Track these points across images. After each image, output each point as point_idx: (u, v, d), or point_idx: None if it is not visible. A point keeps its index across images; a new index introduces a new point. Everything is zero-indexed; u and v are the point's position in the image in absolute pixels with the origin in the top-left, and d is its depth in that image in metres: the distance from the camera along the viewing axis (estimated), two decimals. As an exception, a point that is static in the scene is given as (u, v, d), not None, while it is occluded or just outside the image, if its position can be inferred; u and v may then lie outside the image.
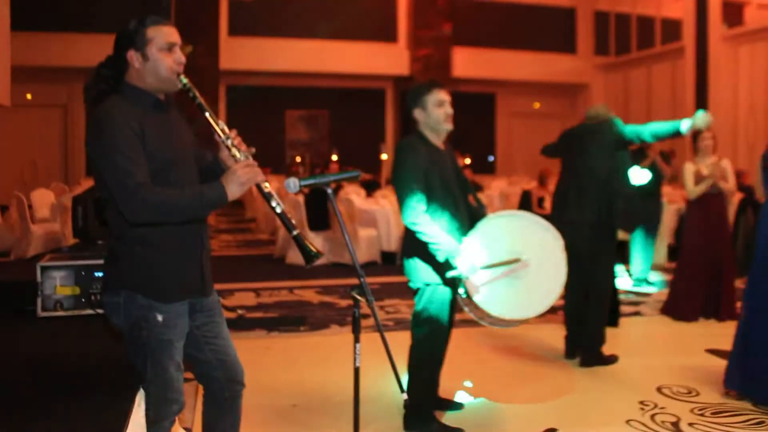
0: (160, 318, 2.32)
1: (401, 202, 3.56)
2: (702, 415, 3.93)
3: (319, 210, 9.12)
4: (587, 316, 4.96)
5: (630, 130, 4.87)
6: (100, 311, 4.20)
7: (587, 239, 4.82)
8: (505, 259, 3.56)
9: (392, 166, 3.68)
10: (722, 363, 4.90)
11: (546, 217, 4.00)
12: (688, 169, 6.30)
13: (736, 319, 6.03)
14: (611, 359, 4.95)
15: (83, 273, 4.62)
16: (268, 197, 2.35)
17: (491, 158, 20.53)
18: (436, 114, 3.62)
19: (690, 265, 6.30)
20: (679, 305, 6.27)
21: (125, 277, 2.33)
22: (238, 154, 2.36)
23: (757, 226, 4.79)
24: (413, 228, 3.51)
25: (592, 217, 4.84)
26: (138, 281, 2.32)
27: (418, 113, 3.65)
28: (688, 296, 6.23)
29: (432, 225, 3.46)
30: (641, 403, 4.11)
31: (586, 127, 5.06)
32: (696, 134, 6.39)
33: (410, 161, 3.52)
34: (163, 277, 2.34)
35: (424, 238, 3.48)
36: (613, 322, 5.68)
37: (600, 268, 4.95)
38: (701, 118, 4.67)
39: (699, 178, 6.21)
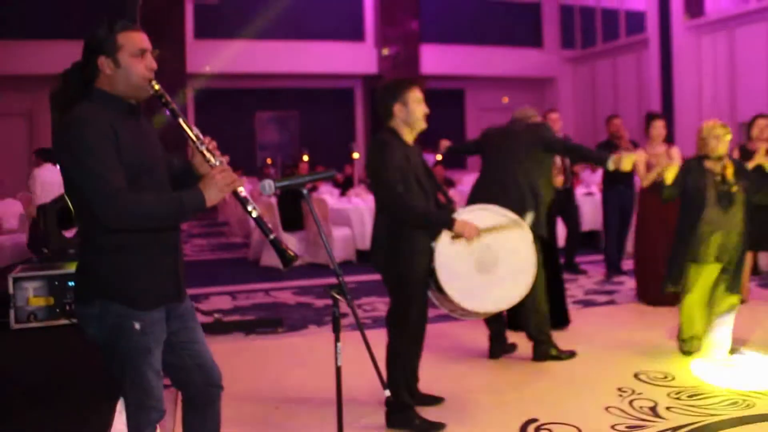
0: (137, 326, 2.29)
1: (384, 196, 3.59)
2: (678, 398, 4.00)
3: (293, 211, 9.10)
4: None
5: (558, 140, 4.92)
6: (75, 321, 4.16)
7: None
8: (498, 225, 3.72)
9: (368, 164, 3.71)
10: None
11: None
12: (641, 157, 6.36)
13: None
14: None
15: (56, 283, 4.56)
16: (244, 202, 2.35)
17: (462, 153, 20.61)
18: (417, 111, 3.66)
19: (651, 248, 6.28)
20: (650, 290, 6.30)
21: (99, 286, 2.30)
22: (213, 160, 2.35)
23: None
24: (404, 214, 3.57)
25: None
26: (113, 289, 2.29)
27: (398, 108, 3.66)
28: (657, 280, 6.23)
29: (418, 204, 3.56)
30: (619, 389, 4.16)
31: (514, 125, 4.96)
32: (649, 121, 6.48)
33: (388, 158, 3.55)
34: (139, 284, 2.32)
35: (417, 218, 3.56)
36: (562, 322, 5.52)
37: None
38: (627, 160, 4.62)
39: (650, 166, 6.26)
